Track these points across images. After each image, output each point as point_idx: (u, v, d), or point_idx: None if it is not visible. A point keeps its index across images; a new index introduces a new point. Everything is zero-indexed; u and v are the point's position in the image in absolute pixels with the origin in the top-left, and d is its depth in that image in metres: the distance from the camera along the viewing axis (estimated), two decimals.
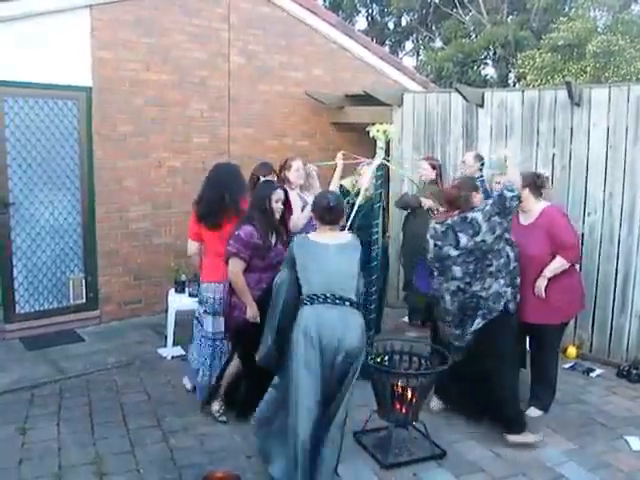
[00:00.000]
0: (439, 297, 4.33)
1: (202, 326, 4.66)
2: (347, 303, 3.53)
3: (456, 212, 4.21)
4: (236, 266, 4.10)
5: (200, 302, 4.69)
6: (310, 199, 4.56)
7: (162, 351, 5.71)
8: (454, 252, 4.15)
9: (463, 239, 4.10)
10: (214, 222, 4.50)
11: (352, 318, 3.53)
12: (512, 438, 4.17)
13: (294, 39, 7.70)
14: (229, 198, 4.45)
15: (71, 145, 6.22)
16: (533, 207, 4.53)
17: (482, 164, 5.67)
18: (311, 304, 3.51)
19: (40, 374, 5.16)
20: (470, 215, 4.12)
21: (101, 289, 6.53)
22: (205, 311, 4.61)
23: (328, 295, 3.50)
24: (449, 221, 4.19)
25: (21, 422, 4.33)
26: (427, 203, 5.78)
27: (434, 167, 6.14)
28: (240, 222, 4.20)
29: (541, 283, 4.41)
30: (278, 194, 4.24)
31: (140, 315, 6.71)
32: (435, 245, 4.25)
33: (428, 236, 4.31)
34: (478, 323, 4.16)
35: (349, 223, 4.62)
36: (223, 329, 4.47)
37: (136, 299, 6.74)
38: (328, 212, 3.67)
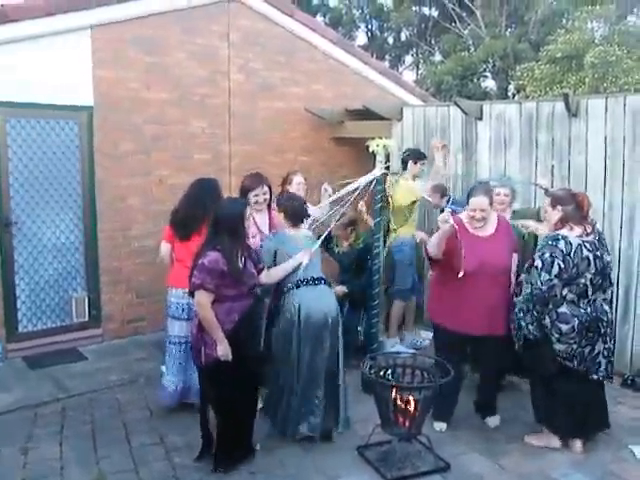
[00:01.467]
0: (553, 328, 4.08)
1: (167, 331, 4.75)
2: (323, 282, 4.41)
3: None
4: (203, 299, 3.77)
5: (166, 306, 4.76)
6: (316, 213, 5.02)
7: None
8: (608, 257, 4.18)
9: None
10: (184, 233, 4.66)
11: (329, 292, 4.46)
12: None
13: (294, 56, 7.77)
14: (200, 213, 4.50)
15: (73, 164, 6.26)
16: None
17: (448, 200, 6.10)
18: (298, 288, 4.27)
19: (43, 393, 5.16)
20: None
21: (104, 307, 6.54)
22: (171, 315, 4.71)
23: (309, 278, 4.30)
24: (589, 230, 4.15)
25: (23, 441, 4.33)
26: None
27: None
28: (204, 247, 3.87)
29: None
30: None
31: (143, 333, 6.70)
32: (595, 257, 4.03)
33: (558, 254, 3.98)
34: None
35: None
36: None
37: (139, 317, 6.74)
38: (299, 215, 4.45)
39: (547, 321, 4.05)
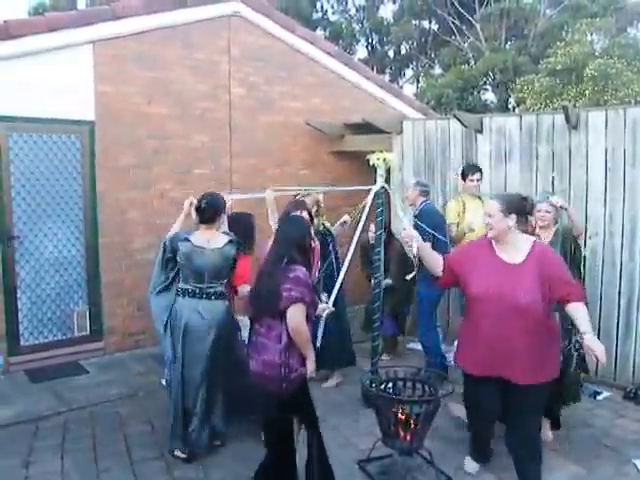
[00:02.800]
0: None
1: None
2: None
3: None
4: (300, 314, 3.46)
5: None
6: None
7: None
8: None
9: None
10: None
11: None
12: None
13: (294, 70, 7.82)
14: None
15: (74, 178, 6.29)
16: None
17: (424, 192, 5.85)
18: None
19: (44, 406, 5.15)
20: None
21: (105, 320, 6.55)
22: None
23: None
24: None
25: (25, 455, 4.32)
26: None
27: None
28: (277, 264, 3.55)
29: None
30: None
31: (144, 346, 6.69)
32: None
33: None
34: None
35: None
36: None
37: (140, 330, 6.73)
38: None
39: None
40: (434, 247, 4.57)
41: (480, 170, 5.93)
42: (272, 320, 3.51)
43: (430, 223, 5.49)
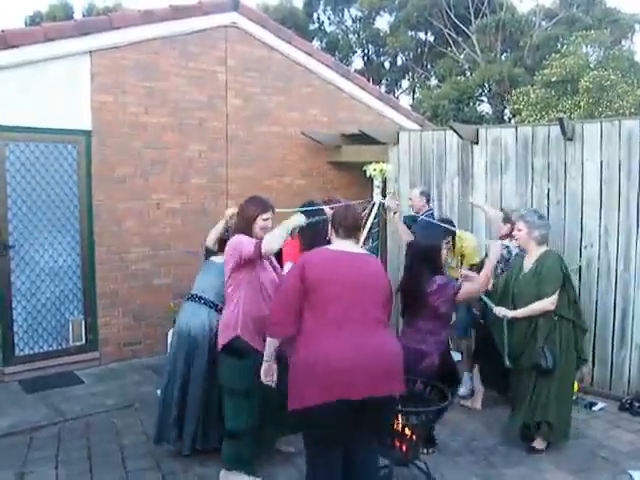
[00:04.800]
0: None
1: None
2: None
3: None
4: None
5: None
6: None
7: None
8: None
9: None
10: None
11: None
12: None
13: (291, 81, 7.86)
14: None
15: (70, 187, 6.28)
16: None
17: (427, 199, 6.13)
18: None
19: (39, 417, 5.12)
20: None
21: (101, 331, 6.52)
22: None
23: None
24: None
25: (19, 466, 4.28)
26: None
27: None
28: (421, 276, 4.46)
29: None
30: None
31: (140, 356, 6.68)
32: None
33: None
34: None
35: None
36: None
37: (136, 340, 6.73)
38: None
39: None
40: None
41: None
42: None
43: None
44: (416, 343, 4.36)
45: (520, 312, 4.55)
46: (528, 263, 4.67)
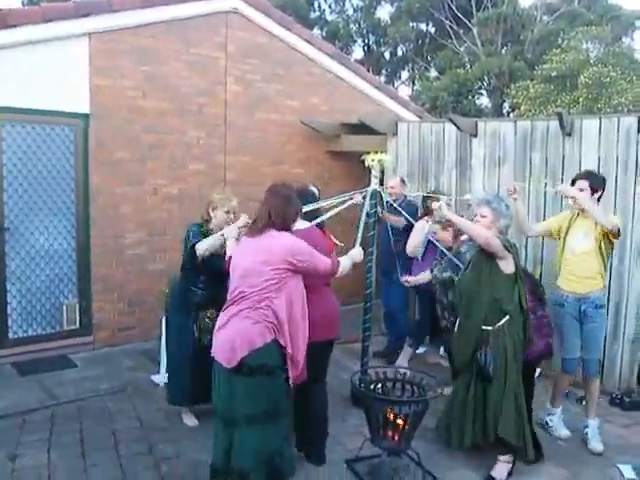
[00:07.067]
0: None
1: None
2: None
3: None
4: None
5: None
6: None
7: (155, 378, 5.69)
8: None
9: None
10: None
11: None
12: None
13: (291, 68, 7.83)
14: None
15: (67, 171, 6.26)
16: None
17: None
18: None
19: (32, 400, 5.13)
20: None
21: (95, 315, 6.52)
22: None
23: None
24: None
25: (12, 448, 4.29)
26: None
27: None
28: None
29: None
30: None
31: (134, 341, 6.68)
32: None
33: None
34: None
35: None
36: None
37: (130, 325, 6.73)
38: None
39: None
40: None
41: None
42: None
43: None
44: None
45: (457, 219, 4.18)
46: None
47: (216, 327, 3.58)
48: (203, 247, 4.38)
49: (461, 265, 4.55)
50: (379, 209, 5.29)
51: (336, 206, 4.91)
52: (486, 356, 4.01)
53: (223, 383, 3.47)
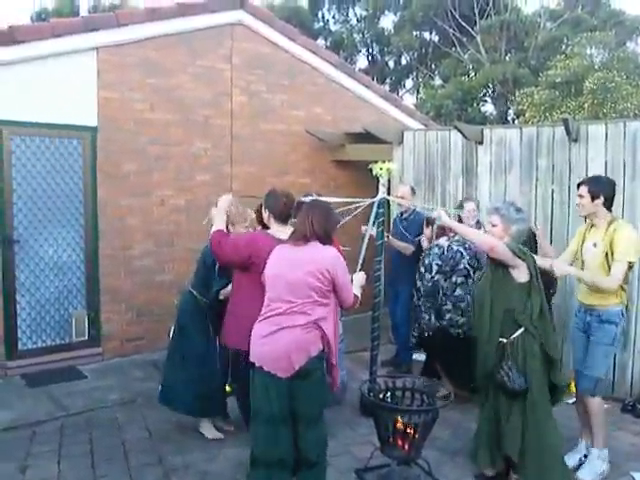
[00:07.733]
0: None
1: None
2: None
3: None
4: None
5: None
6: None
7: None
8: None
9: None
10: None
11: None
12: None
13: (296, 79, 7.86)
14: None
15: (75, 183, 6.30)
16: None
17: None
18: None
19: (41, 411, 5.14)
20: None
21: (104, 326, 6.54)
22: None
23: None
24: None
25: (22, 460, 4.31)
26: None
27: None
28: None
29: None
30: None
31: (142, 352, 6.70)
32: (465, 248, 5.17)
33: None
34: None
35: None
36: None
37: (138, 336, 6.74)
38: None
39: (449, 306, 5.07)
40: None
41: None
42: None
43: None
44: None
45: (457, 226, 4.35)
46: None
47: (257, 337, 3.55)
48: (225, 292, 4.52)
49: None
50: (385, 235, 5.28)
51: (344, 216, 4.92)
52: (508, 370, 3.83)
53: (274, 388, 3.48)
